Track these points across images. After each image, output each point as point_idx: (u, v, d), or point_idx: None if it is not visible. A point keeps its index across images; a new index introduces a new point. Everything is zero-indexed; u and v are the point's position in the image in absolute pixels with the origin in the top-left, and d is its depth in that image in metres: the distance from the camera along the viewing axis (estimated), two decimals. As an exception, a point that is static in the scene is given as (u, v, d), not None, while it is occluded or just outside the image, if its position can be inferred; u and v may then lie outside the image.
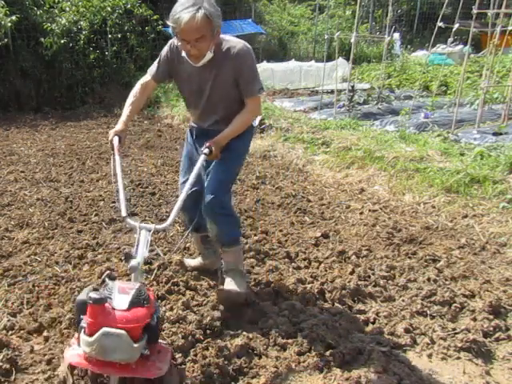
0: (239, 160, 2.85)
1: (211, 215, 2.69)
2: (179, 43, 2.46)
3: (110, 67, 10.80)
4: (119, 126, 2.62)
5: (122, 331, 1.68)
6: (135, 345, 1.69)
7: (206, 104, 2.68)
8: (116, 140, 2.52)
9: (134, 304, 1.75)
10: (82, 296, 1.84)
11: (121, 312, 1.72)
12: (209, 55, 2.45)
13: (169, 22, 2.37)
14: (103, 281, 1.91)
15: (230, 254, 2.82)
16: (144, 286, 1.90)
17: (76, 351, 1.78)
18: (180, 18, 2.28)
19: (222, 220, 2.70)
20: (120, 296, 1.75)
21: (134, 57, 11.11)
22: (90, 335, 1.69)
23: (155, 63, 2.71)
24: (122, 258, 3.04)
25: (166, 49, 2.66)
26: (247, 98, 2.60)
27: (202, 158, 2.44)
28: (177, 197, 4.65)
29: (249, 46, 2.57)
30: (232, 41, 2.55)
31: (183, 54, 2.49)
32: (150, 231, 2.07)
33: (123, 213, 2.18)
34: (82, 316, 1.78)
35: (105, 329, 1.67)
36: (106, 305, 1.72)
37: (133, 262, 1.92)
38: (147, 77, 2.74)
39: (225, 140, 2.55)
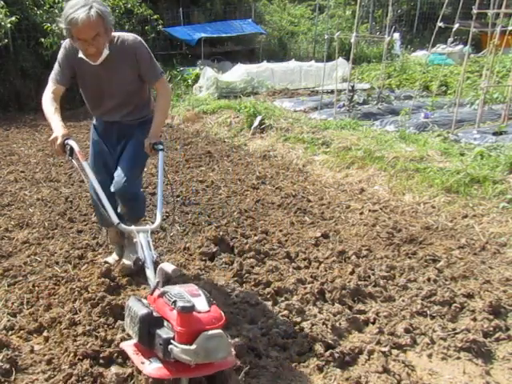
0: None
1: (129, 198, 2.84)
2: (75, 44, 2.53)
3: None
4: (63, 129, 2.52)
5: (220, 330, 1.71)
6: (229, 340, 1.75)
7: (114, 99, 2.79)
8: (74, 143, 2.45)
9: (211, 303, 1.78)
10: (142, 309, 1.79)
11: (207, 313, 1.74)
12: (105, 52, 2.59)
13: (62, 25, 2.45)
14: (155, 288, 1.88)
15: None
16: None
17: (156, 365, 1.75)
18: (75, 18, 2.37)
19: (138, 199, 2.96)
20: (195, 299, 1.75)
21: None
22: (186, 343, 1.67)
23: (56, 69, 2.70)
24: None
25: (62, 52, 2.68)
26: (155, 83, 2.79)
27: (161, 155, 2.59)
28: (178, 196, 4.67)
29: (139, 37, 2.76)
30: (123, 35, 2.70)
31: (80, 54, 2.59)
32: (147, 232, 2.14)
33: (115, 220, 2.22)
34: (154, 330, 1.75)
35: (206, 333, 1.67)
36: None
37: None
38: (53, 85, 2.69)
39: (159, 129, 2.76)
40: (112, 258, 3.27)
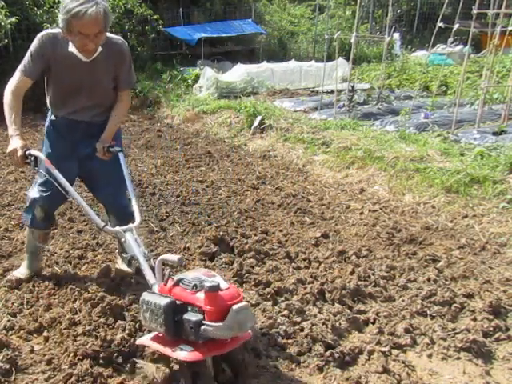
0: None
1: (127, 215, 2.70)
2: (72, 37, 2.44)
3: (110, 67, 10.81)
4: (21, 140, 2.47)
5: (245, 302, 1.85)
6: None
7: (91, 97, 2.73)
8: (39, 153, 2.42)
9: (226, 281, 1.88)
10: (164, 299, 1.83)
11: (228, 290, 1.83)
12: (99, 49, 2.56)
13: (63, 16, 2.36)
14: (168, 278, 1.94)
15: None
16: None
17: (188, 349, 1.80)
18: (82, 11, 2.30)
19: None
20: (213, 279, 1.84)
21: (134, 57, 11.11)
22: (217, 320, 1.74)
23: (27, 61, 2.59)
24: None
25: (37, 44, 2.57)
26: (124, 90, 2.81)
27: (122, 156, 2.63)
28: (178, 196, 4.67)
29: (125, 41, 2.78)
30: (112, 36, 2.69)
31: (71, 48, 2.52)
32: (132, 230, 2.21)
33: (100, 224, 2.27)
34: (180, 316, 1.80)
35: (235, 307, 1.77)
36: None
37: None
38: (21, 76, 2.61)
39: (112, 134, 2.76)
40: (21, 273, 3.03)
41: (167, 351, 1.83)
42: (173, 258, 1.95)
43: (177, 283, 1.87)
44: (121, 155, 2.66)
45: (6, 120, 2.50)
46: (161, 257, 2.01)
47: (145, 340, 1.96)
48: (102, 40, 2.51)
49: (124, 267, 3.10)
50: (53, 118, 2.87)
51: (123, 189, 2.73)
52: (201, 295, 1.78)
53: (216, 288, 1.76)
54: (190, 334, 1.78)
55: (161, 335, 1.90)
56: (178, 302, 1.84)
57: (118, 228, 2.26)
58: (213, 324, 1.74)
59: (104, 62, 2.64)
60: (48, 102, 2.86)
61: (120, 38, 2.76)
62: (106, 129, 2.74)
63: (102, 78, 2.70)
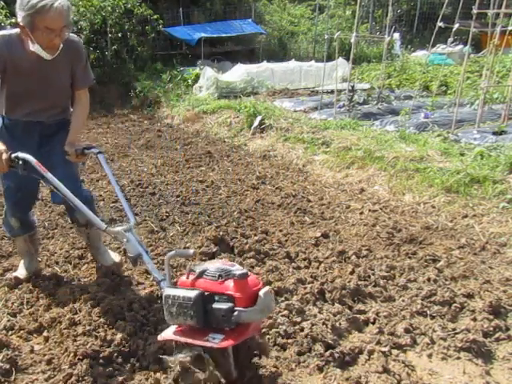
0: None
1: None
2: (37, 34, 2.35)
3: (110, 67, 10.82)
4: (2, 144, 2.36)
5: (267, 286, 1.95)
6: None
7: (48, 98, 2.67)
8: (29, 156, 2.29)
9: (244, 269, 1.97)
10: (191, 292, 1.88)
11: (251, 276, 1.92)
12: (61, 46, 2.48)
13: (25, 13, 2.30)
14: (188, 273, 1.99)
15: (96, 232, 3.01)
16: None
17: (220, 337, 1.85)
18: (47, 5, 2.26)
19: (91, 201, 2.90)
20: (236, 267, 1.93)
21: (133, 57, 11.12)
22: (247, 306, 1.84)
23: None
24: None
25: None
26: (83, 88, 2.76)
27: (102, 157, 2.57)
28: (178, 196, 4.67)
29: None
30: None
31: (32, 46, 2.41)
32: (132, 229, 2.22)
33: (102, 226, 2.24)
34: (210, 306, 1.86)
35: (262, 291, 1.88)
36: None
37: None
38: None
39: (77, 137, 2.72)
40: (20, 273, 3.04)
41: (199, 341, 1.86)
42: (186, 252, 2.07)
43: (200, 275, 1.92)
44: (101, 157, 2.59)
45: None
46: (170, 253, 2.05)
47: (170, 335, 1.96)
48: (66, 35, 2.45)
49: (107, 257, 3.14)
50: (6, 120, 2.72)
51: (79, 185, 2.79)
52: (230, 283, 1.86)
53: (246, 275, 1.85)
54: (222, 321, 1.85)
55: (183, 328, 1.94)
56: (206, 293, 1.90)
57: (118, 228, 2.25)
58: (246, 309, 1.83)
59: (63, 60, 2.57)
60: None
61: (75, 35, 2.72)
62: (71, 131, 2.68)
63: (62, 76, 2.65)
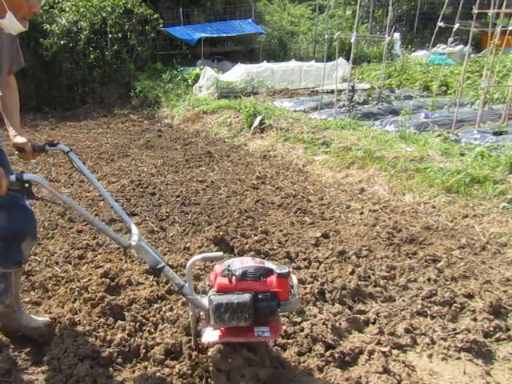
0: None
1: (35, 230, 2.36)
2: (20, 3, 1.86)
3: (110, 67, 10.81)
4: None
5: (294, 276, 2.16)
6: None
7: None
8: (39, 178, 1.93)
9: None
10: (244, 296, 1.96)
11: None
12: None
13: None
14: (232, 275, 2.04)
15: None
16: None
17: (267, 329, 2.01)
18: None
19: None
20: (270, 265, 2.07)
21: (134, 57, 11.12)
22: (287, 299, 2.01)
23: None
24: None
25: None
26: (12, 72, 2.28)
27: (75, 156, 2.19)
28: (178, 196, 4.66)
29: None
30: None
31: (7, 17, 1.85)
32: (142, 240, 2.14)
33: (125, 243, 2.10)
34: (258, 305, 1.97)
35: (294, 284, 2.07)
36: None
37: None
38: None
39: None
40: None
41: (252, 338, 2.00)
42: (216, 255, 2.17)
43: (243, 277, 2.00)
44: (73, 155, 2.23)
45: None
46: (194, 258, 2.09)
47: (216, 338, 2.02)
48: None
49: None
50: None
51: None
52: (272, 281, 2.00)
53: (287, 274, 2.01)
54: (269, 316, 2.00)
55: (226, 329, 2.02)
56: (254, 294, 2.00)
57: (137, 241, 2.07)
58: (290, 301, 2.02)
59: (9, 37, 2.11)
60: None
61: None
62: (14, 121, 2.22)
63: (5, 59, 2.17)
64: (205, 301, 2.08)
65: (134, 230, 2.14)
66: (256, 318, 1.98)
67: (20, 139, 2.17)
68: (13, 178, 1.83)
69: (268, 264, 2.08)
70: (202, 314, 2.18)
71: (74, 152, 2.27)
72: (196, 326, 2.21)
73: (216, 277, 2.06)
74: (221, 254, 2.14)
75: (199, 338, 2.22)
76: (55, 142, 2.22)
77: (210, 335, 2.03)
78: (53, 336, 2.43)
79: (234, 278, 2.00)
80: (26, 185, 1.85)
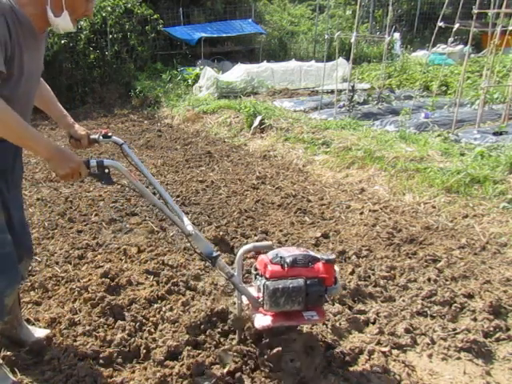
0: None
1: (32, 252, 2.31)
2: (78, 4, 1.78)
3: (110, 67, 10.81)
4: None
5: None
6: None
7: (33, 95, 2.04)
8: (116, 163, 1.95)
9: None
10: (298, 281, 2.05)
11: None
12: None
13: None
14: (284, 262, 2.11)
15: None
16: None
17: (314, 313, 2.13)
18: None
19: None
20: (315, 253, 2.17)
21: (134, 57, 11.12)
22: (332, 284, 2.12)
23: None
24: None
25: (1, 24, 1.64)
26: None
27: (128, 149, 2.24)
28: (178, 196, 4.66)
29: None
30: None
31: (55, 16, 1.77)
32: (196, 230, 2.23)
33: (188, 231, 2.15)
34: (310, 290, 2.07)
35: (336, 270, 2.16)
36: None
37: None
38: None
39: None
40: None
41: (303, 321, 2.15)
42: (266, 244, 2.28)
43: (293, 264, 2.08)
44: (126, 147, 2.23)
45: (28, 138, 1.76)
46: (245, 247, 2.23)
47: (269, 322, 2.11)
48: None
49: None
50: None
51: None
52: (320, 267, 2.11)
53: (333, 260, 2.11)
54: (318, 300, 2.11)
55: (277, 314, 2.11)
56: (306, 280, 2.09)
57: (190, 229, 2.13)
58: (335, 286, 2.13)
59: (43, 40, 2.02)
60: None
61: None
62: (63, 112, 2.16)
63: (41, 62, 2.12)
64: (253, 289, 2.22)
65: (187, 221, 2.22)
66: (306, 302, 2.08)
67: (81, 130, 2.21)
68: (94, 163, 1.87)
69: (311, 252, 2.18)
70: (246, 303, 2.27)
71: (126, 144, 2.28)
72: (241, 316, 2.32)
73: (266, 265, 2.13)
74: (270, 243, 2.26)
75: (243, 330, 2.34)
76: (109, 134, 2.23)
77: (263, 320, 2.12)
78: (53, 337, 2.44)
79: (286, 264, 2.09)
80: (106, 170, 1.90)
